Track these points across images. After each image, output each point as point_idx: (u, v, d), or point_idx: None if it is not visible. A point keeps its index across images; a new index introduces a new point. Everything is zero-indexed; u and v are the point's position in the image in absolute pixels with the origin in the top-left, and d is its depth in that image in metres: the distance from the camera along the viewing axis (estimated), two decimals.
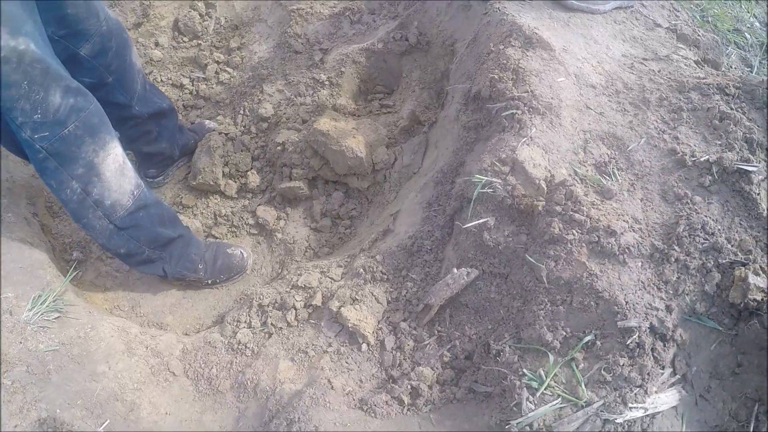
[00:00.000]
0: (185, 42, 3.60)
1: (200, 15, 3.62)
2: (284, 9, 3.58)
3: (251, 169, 3.12)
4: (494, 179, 2.13)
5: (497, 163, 2.16)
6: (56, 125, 2.00)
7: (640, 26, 3.00)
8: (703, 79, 2.68)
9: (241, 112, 3.33)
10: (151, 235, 2.47)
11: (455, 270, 2.14)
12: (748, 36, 3.50)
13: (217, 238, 3.02)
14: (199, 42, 3.60)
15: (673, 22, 3.13)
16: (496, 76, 2.44)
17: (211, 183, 3.03)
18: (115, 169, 2.24)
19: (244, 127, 3.28)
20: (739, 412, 1.87)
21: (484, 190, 2.12)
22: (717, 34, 3.36)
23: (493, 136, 2.33)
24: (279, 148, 3.02)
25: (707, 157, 2.23)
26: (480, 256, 2.17)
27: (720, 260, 1.96)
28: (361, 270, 2.36)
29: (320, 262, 2.59)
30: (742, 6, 3.84)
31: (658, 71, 2.69)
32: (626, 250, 1.95)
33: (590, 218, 2.01)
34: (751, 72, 3.28)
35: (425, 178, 2.59)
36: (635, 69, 2.67)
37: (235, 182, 3.10)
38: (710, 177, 2.19)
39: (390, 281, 2.33)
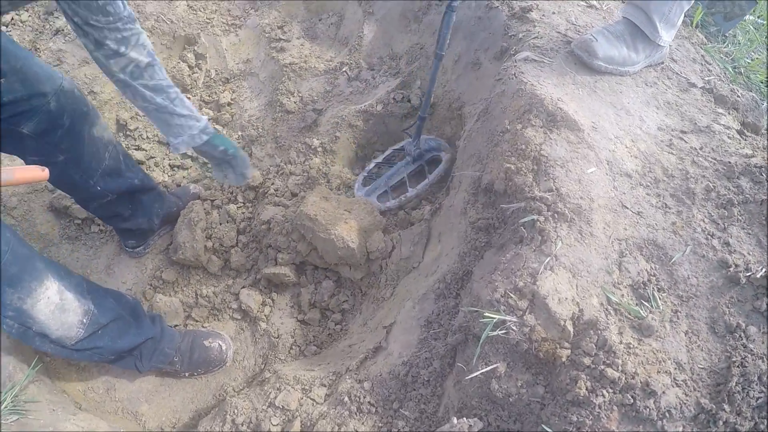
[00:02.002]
0: None
1: (189, 67, 2.98)
2: (277, 63, 2.91)
3: (236, 245, 2.47)
4: (508, 317, 1.46)
5: (512, 295, 1.49)
6: None
7: (674, 87, 2.30)
8: (751, 157, 2.01)
9: None
10: (114, 349, 1.99)
11: (455, 419, 1.49)
12: None
13: (197, 320, 2.40)
14: (188, 96, 2.95)
15: (707, 78, 2.43)
16: (512, 167, 1.76)
17: (192, 259, 2.40)
18: (51, 311, 1.76)
19: (231, 193, 2.64)
20: None
21: (496, 333, 1.45)
22: (751, 87, 2.64)
23: (507, 246, 1.67)
24: (264, 226, 2.38)
25: (764, 271, 1.61)
26: (486, 405, 1.52)
27: None
28: (346, 398, 1.73)
29: (303, 374, 1.94)
30: None
31: (701, 149, 2.01)
32: (666, 414, 1.40)
33: (625, 373, 1.40)
34: None
35: (425, 283, 1.92)
36: (674, 147, 1.98)
37: (219, 258, 2.46)
38: (767, 299, 1.58)
39: (379, 414, 1.70)
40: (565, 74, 2.12)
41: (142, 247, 2.55)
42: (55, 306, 1.76)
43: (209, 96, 2.95)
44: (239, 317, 2.39)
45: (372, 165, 2.62)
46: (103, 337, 1.92)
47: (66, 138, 1.90)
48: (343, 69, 2.82)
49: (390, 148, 2.67)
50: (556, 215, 1.63)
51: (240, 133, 2.78)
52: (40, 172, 1.57)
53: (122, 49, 1.60)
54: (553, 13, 2.42)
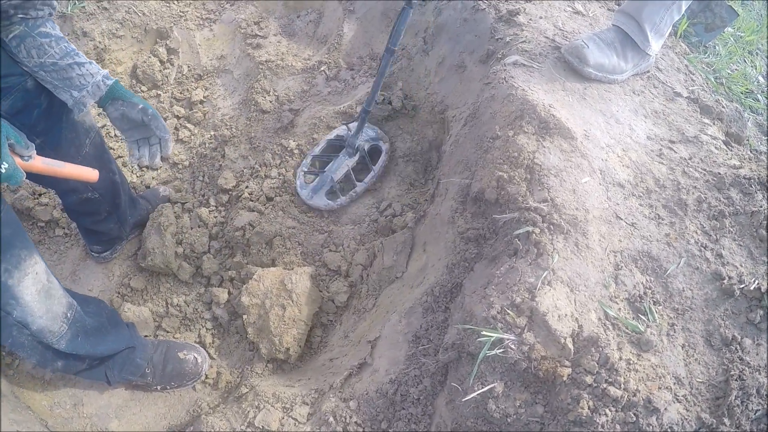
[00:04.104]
0: (143, 92, 2.80)
1: (161, 62, 2.82)
2: (252, 60, 2.78)
3: (208, 251, 2.34)
4: (506, 336, 1.39)
5: (510, 312, 1.41)
6: None
7: (660, 96, 2.27)
8: (739, 168, 1.99)
9: (201, 178, 2.54)
10: (94, 356, 1.87)
11: None
12: (760, 98, 2.79)
13: (168, 331, 2.26)
14: (159, 92, 2.80)
15: (691, 88, 2.42)
16: (505, 175, 1.69)
17: (162, 266, 2.26)
18: (38, 291, 1.58)
19: (203, 196, 2.50)
20: None
21: (493, 352, 1.37)
22: (732, 98, 2.65)
23: (500, 258, 1.59)
24: (238, 233, 2.25)
25: (757, 283, 1.60)
26: (482, 425, 1.45)
27: None
28: (331, 418, 1.64)
29: (282, 391, 1.83)
30: (746, 61, 3.13)
31: (690, 159, 1.98)
32: (668, 431, 1.35)
33: (627, 391, 1.35)
34: None
35: (411, 295, 1.84)
36: (665, 157, 1.95)
37: (190, 265, 2.32)
38: (761, 311, 1.57)
39: None
40: (554, 80, 2.06)
41: (109, 252, 2.38)
42: (42, 287, 1.59)
43: (181, 93, 2.79)
44: (212, 327, 2.26)
45: (309, 159, 2.49)
46: (84, 344, 1.78)
47: (42, 119, 1.71)
48: (322, 68, 2.71)
49: (324, 139, 2.52)
50: (551, 227, 1.57)
51: (212, 133, 2.64)
52: (90, 171, 1.52)
53: None
54: (541, 17, 2.37)
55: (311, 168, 2.49)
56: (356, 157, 2.47)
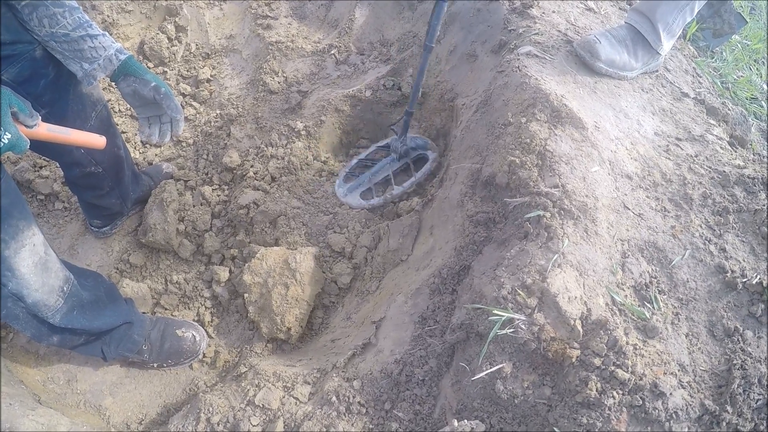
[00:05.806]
0: (150, 69, 2.79)
1: (169, 39, 2.82)
2: (262, 41, 2.79)
3: (210, 229, 2.35)
4: (517, 316, 1.41)
5: (521, 292, 1.44)
6: None
7: (668, 95, 2.32)
8: (743, 168, 2.04)
9: (205, 156, 2.55)
10: (90, 331, 1.85)
11: (455, 422, 1.43)
12: (764, 105, 2.85)
13: (166, 309, 2.26)
14: (165, 69, 2.80)
15: (698, 90, 2.47)
16: (516, 160, 1.73)
17: (163, 242, 2.26)
18: (34, 263, 1.55)
19: (206, 174, 2.51)
20: None
21: (504, 332, 1.40)
22: (737, 102, 2.71)
23: (510, 241, 1.62)
24: (242, 211, 2.26)
25: (759, 278, 1.65)
26: (489, 407, 1.47)
27: None
28: (334, 398, 1.65)
29: (283, 370, 1.84)
30: (752, 68, 3.20)
31: (696, 156, 2.03)
32: (674, 415, 1.38)
33: (635, 375, 1.38)
34: None
35: (417, 277, 1.86)
36: (671, 153, 1.99)
37: (191, 242, 2.33)
38: (763, 305, 1.62)
39: (369, 416, 1.62)
40: (566, 73, 2.10)
41: (109, 227, 2.37)
42: (39, 259, 1.57)
43: (188, 71, 2.80)
44: (211, 306, 2.27)
45: (354, 162, 2.51)
46: (79, 318, 1.76)
47: (49, 90, 1.69)
48: (332, 52, 2.73)
49: (374, 145, 2.56)
50: (562, 212, 1.60)
51: (218, 112, 2.65)
52: (97, 138, 1.48)
53: None
54: (553, 11, 2.41)
55: (354, 170, 2.51)
56: (399, 163, 2.50)
